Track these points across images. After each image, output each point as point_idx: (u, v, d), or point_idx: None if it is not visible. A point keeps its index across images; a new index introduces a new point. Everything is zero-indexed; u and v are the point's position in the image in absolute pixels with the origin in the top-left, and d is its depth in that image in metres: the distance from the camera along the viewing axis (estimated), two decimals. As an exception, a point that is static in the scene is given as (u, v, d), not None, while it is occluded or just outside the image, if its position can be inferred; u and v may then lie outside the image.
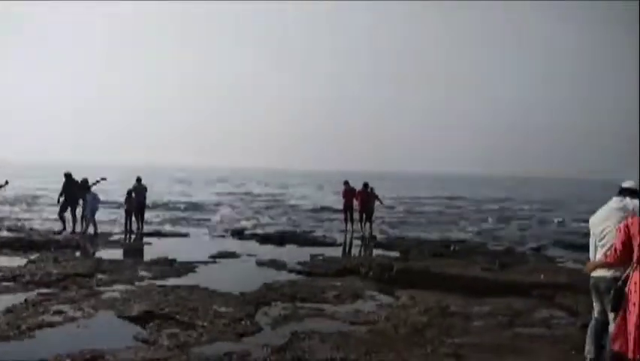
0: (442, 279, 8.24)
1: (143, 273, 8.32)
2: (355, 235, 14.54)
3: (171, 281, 7.80)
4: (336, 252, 11.66)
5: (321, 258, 10.29)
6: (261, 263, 9.63)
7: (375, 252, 11.87)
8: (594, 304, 4.10)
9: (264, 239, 13.22)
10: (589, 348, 4.05)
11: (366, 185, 14.62)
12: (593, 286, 4.01)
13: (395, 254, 11.26)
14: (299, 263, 9.57)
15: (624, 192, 3.97)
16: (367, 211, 14.42)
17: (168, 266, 9.00)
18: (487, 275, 8.69)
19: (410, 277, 8.27)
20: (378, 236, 14.58)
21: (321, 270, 8.98)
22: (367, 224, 14.49)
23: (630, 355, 3.56)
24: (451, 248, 12.09)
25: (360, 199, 14.42)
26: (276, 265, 9.44)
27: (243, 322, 5.73)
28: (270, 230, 15.22)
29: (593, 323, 4.12)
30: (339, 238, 14.15)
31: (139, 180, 14.05)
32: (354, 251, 12.32)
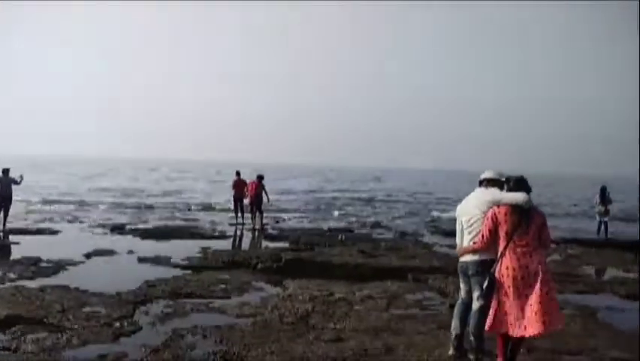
0: (328, 267, 8.54)
1: (5, 274, 7.48)
2: (247, 226, 14.45)
3: (38, 282, 7.10)
4: (225, 244, 11.48)
5: (208, 251, 10.06)
6: (142, 260, 9.16)
7: (266, 243, 11.91)
8: (461, 285, 4.48)
9: (147, 234, 12.58)
10: (455, 325, 4.43)
11: (260, 177, 14.59)
12: (461, 269, 4.37)
13: (285, 245, 11.42)
14: (184, 258, 9.26)
15: (486, 182, 4.36)
16: (258, 203, 14.39)
17: (35, 266, 8.18)
18: (369, 261, 9.17)
19: (298, 267, 8.43)
20: (270, 227, 14.64)
21: (208, 264, 8.78)
22: (258, 216, 14.47)
23: (511, 333, 3.90)
24: (339, 238, 12.54)
25: (252, 191, 14.34)
26: (160, 260, 9.04)
27: (119, 322, 5.40)
28: (157, 225, 14.52)
29: (459, 302, 4.51)
30: (229, 230, 13.96)
31: (4, 171, 12.58)
32: (245, 243, 12.24)
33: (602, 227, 14.52)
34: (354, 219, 19.05)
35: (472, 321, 4.25)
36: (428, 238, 13.84)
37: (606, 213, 14.54)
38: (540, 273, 3.85)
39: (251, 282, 7.63)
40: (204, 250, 10.25)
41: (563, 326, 4.33)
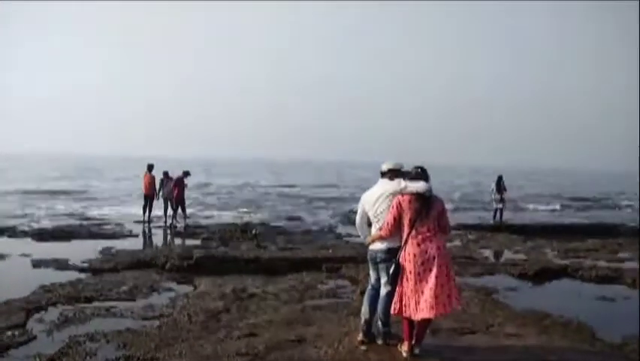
0: (242, 263, 8.40)
1: None
2: (158, 224, 13.83)
3: None
4: (132, 244, 10.87)
5: (112, 252, 9.46)
6: (37, 263, 8.40)
7: (178, 241, 11.46)
8: (371, 273, 4.61)
9: (43, 236, 11.57)
10: (364, 310, 4.55)
11: (185, 173, 13.99)
12: (370, 257, 4.50)
13: (198, 242, 11.07)
14: (85, 260, 8.62)
15: (389, 173, 4.49)
16: (182, 201, 13.83)
17: None
18: (285, 254, 9.16)
19: (210, 264, 8.20)
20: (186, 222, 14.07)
21: (112, 265, 8.26)
22: (181, 213, 13.91)
23: (413, 316, 4.06)
24: (254, 232, 12.39)
25: (176, 187, 13.73)
26: (57, 263, 8.35)
27: (9, 332, 4.91)
28: (55, 224, 13.39)
29: (369, 288, 4.63)
30: (136, 228, 13.25)
31: None
32: (154, 242, 11.69)
33: (498, 213, 15.76)
34: (274, 213, 18.97)
35: (379, 306, 4.39)
36: (342, 229, 14.13)
37: (501, 200, 15.79)
38: (438, 257, 4.05)
39: (159, 282, 7.29)
40: (107, 250, 9.64)
41: (461, 307, 4.60)
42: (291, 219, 16.89)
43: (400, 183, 4.26)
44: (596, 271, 8.16)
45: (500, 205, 15.77)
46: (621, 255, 10.04)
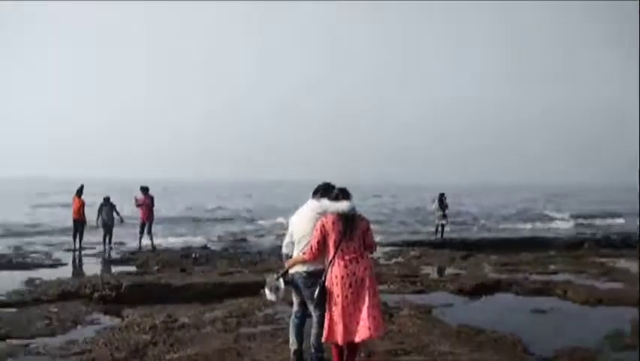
0: (176, 291, 8.00)
1: None
2: (89, 252, 13.08)
3: None
4: (58, 273, 10.16)
5: (35, 283, 8.80)
6: (-52, 299, 7.64)
7: (109, 268, 10.85)
8: (294, 299, 4.45)
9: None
10: (292, 340, 4.38)
11: (144, 189, 13.42)
12: (292, 281, 4.35)
13: (131, 269, 10.53)
14: (3, 293, 7.94)
15: (318, 193, 4.40)
16: (150, 220, 13.33)
17: None
18: (224, 279, 8.83)
19: (141, 293, 7.75)
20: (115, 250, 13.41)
21: (33, 297, 7.65)
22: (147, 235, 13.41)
23: (340, 341, 3.97)
24: (193, 256, 11.97)
25: (144, 206, 13.20)
26: (-29, 298, 7.63)
27: None
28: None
29: (293, 317, 4.47)
30: (65, 257, 12.44)
31: None
32: (83, 270, 10.99)
33: (440, 229, 16.11)
34: (215, 236, 18.46)
35: (312, 332, 4.25)
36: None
37: (444, 217, 16.17)
38: (367, 279, 3.99)
39: (84, 314, 6.81)
40: (30, 281, 8.95)
41: (386, 330, 4.55)
42: (236, 241, 16.50)
43: (323, 204, 4.18)
44: (529, 285, 8.40)
45: (443, 221, 16.13)
46: (552, 267, 10.43)
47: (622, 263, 11.00)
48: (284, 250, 4.48)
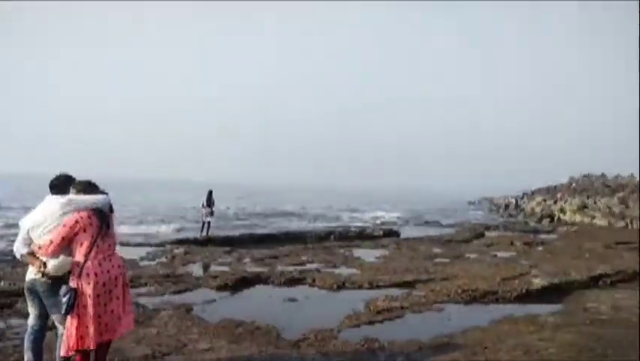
0: None
1: None
2: None
3: None
4: None
5: None
6: None
7: None
8: (30, 309, 3.86)
9: None
10: (28, 357, 3.78)
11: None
12: (28, 289, 3.78)
13: None
14: None
15: (57, 188, 3.90)
16: None
17: None
18: None
19: None
20: None
21: None
22: None
23: (93, 346, 3.61)
24: None
25: None
26: None
27: None
28: None
29: (29, 331, 3.87)
30: None
31: None
32: None
33: (206, 226, 16.14)
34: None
35: (59, 345, 3.73)
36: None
37: (211, 214, 16.24)
38: (121, 277, 3.85)
39: None
40: None
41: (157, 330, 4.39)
42: None
43: (73, 199, 3.75)
44: (284, 276, 9.12)
45: (209, 219, 16.18)
46: (304, 258, 11.55)
47: (359, 252, 12.90)
48: (22, 251, 3.76)
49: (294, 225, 23.89)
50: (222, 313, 6.64)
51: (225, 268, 10.02)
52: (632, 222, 23.49)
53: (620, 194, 31.66)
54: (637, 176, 36.66)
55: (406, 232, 19.53)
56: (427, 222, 27.58)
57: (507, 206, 42.85)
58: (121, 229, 16.29)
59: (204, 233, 15.94)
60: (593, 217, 26.12)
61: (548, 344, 5.27)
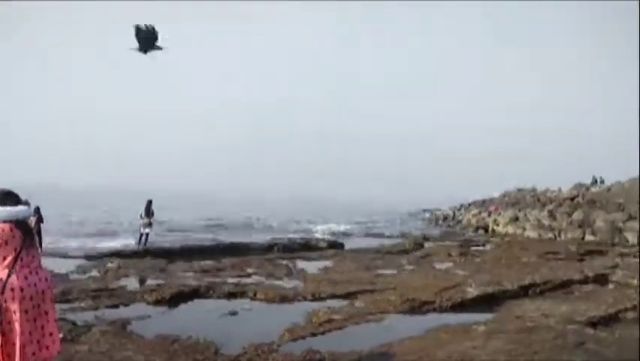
0: None
1: None
2: None
3: None
4: None
5: None
6: None
7: None
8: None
9: None
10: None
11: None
12: None
13: None
14: None
15: None
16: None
17: None
18: None
19: None
20: None
21: None
22: None
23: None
24: None
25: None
26: None
27: None
28: None
29: None
30: None
31: None
32: None
33: (144, 238, 15.56)
34: None
35: None
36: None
37: (149, 225, 15.68)
38: (48, 291, 3.65)
39: None
40: None
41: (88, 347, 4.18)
42: None
43: None
44: (225, 289, 8.92)
45: (147, 230, 15.63)
46: (248, 270, 11.38)
47: (302, 264, 12.88)
48: None
49: (239, 237, 23.52)
50: (158, 328, 6.41)
51: (163, 282, 9.68)
52: (559, 234, 25.00)
53: (549, 207, 33.66)
54: (564, 191, 39.12)
55: (351, 244, 19.74)
56: (370, 234, 28.03)
57: (445, 218, 44.41)
58: (52, 241, 15.49)
59: (141, 245, 15.36)
60: (524, 229, 27.54)
61: (480, 351, 5.47)
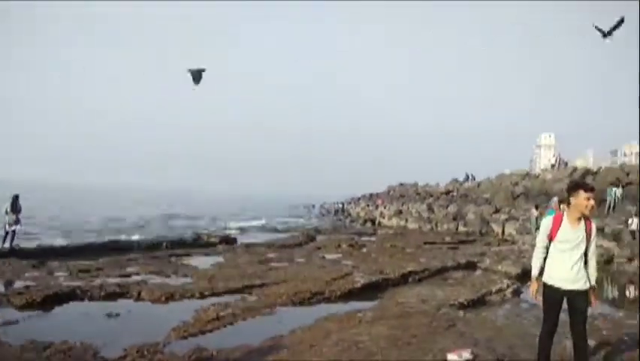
0: None
1: None
2: None
3: None
4: None
5: None
6: None
7: None
8: None
9: None
10: None
11: None
12: None
13: None
14: None
15: None
16: None
17: None
18: None
19: None
20: None
21: None
22: None
23: None
24: None
25: None
26: None
27: None
28: None
29: None
30: None
31: None
32: None
33: (10, 236, 13.97)
34: None
35: None
36: None
37: (16, 222, 14.11)
38: None
39: None
40: None
41: None
42: None
43: None
44: (104, 289, 8.34)
45: (14, 227, 14.04)
46: (130, 269, 10.74)
47: (194, 260, 12.50)
48: None
49: (124, 235, 22.13)
50: (28, 334, 5.81)
51: (33, 284, 8.77)
52: (437, 225, 27.14)
53: (428, 201, 36.32)
54: (441, 185, 42.42)
55: (245, 238, 19.59)
56: (264, 228, 28.08)
57: (337, 211, 45.95)
58: None
59: (7, 244, 13.77)
60: (407, 221, 29.49)
61: (365, 337, 5.77)
